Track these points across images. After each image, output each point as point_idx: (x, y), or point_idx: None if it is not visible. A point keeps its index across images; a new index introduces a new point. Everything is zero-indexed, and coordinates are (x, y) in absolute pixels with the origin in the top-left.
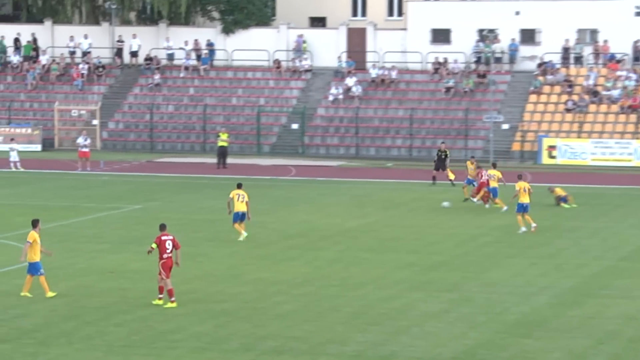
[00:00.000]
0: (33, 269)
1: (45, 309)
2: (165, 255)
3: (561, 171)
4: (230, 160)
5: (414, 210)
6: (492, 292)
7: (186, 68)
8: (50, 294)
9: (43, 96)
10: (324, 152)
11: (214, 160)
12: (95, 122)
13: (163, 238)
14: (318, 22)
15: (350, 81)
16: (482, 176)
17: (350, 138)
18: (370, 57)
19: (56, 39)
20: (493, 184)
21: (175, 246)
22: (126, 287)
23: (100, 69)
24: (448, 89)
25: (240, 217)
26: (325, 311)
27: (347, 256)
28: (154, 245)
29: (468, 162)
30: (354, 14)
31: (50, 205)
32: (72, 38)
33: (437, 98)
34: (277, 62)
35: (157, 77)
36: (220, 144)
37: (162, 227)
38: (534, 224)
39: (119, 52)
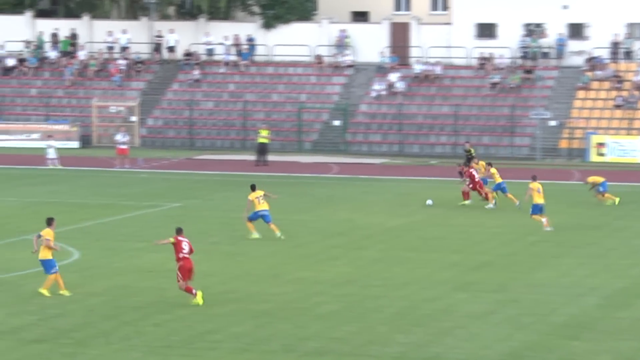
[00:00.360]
0: (49, 266)
1: (84, 309)
2: (181, 255)
3: (610, 169)
4: (271, 157)
5: (458, 208)
6: (539, 293)
7: (226, 63)
8: (64, 291)
9: (81, 92)
10: (366, 149)
11: (254, 157)
12: (134, 118)
13: (180, 238)
14: (360, 16)
15: (393, 77)
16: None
17: (394, 135)
18: (413, 52)
19: (94, 34)
20: (498, 179)
21: (190, 250)
22: (165, 286)
23: (139, 65)
24: (493, 85)
25: (257, 216)
26: (368, 312)
27: (390, 256)
28: (171, 239)
29: (481, 162)
30: (397, 8)
31: (88, 203)
32: (110, 33)
33: (482, 94)
34: (319, 58)
35: (196, 72)
36: (260, 140)
37: (179, 231)
38: (548, 228)
39: (157, 48)
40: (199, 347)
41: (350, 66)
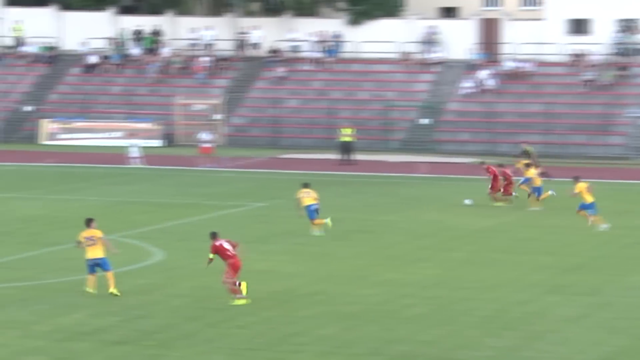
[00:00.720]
0: (104, 264)
1: (167, 310)
2: (229, 254)
3: None
4: (356, 156)
5: (550, 209)
6: (635, 296)
7: (311, 61)
8: (91, 289)
9: (164, 90)
10: (455, 148)
11: (338, 156)
12: (217, 116)
13: (217, 243)
14: (448, 12)
15: (482, 74)
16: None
17: (483, 134)
18: (504, 48)
19: (178, 31)
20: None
21: (234, 245)
22: (250, 287)
23: (223, 62)
24: (586, 82)
25: (314, 211)
26: (457, 315)
27: (480, 257)
28: (211, 256)
29: (521, 162)
30: (487, 3)
31: (171, 203)
32: (194, 30)
33: (574, 92)
34: (406, 55)
35: (281, 70)
36: (343, 139)
37: (214, 235)
38: (604, 225)
39: (241, 44)
40: (284, 350)
41: (438, 63)
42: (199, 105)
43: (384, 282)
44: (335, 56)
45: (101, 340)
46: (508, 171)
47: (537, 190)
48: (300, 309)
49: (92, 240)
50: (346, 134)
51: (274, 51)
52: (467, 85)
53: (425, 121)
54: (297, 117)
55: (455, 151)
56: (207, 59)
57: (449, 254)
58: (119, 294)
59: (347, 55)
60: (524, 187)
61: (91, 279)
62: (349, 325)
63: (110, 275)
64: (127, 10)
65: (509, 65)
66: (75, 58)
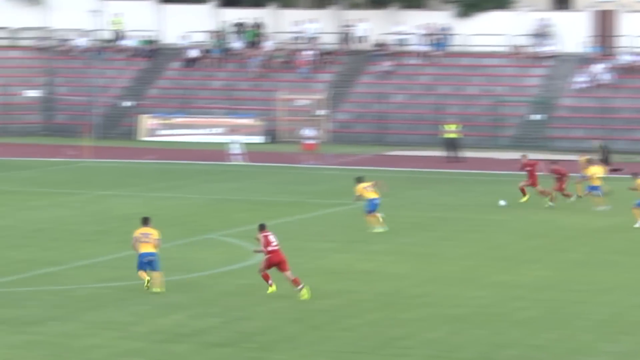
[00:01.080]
0: (155, 263)
1: (269, 312)
2: (270, 248)
3: None
4: (465, 153)
5: None
6: None
7: (418, 54)
8: (158, 288)
9: (266, 85)
10: (568, 145)
11: (444, 153)
12: (321, 112)
13: (264, 234)
14: (561, 4)
15: (597, 68)
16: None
17: (598, 130)
18: (620, 41)
19: (280, 24)
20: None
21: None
22: (354, 289)
23: (327, 56)
24: None
25: (375, 207)
26: (570, 318)
27: (595, 259)
28: (259, 239)
29: (583, 158)
30: None
31: (274, 201)
32: (297, 23)
33: None
34: (517, 48)
35: (387, 64)
36: (447, 135)
37: (262, 227)
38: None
39: (346, 38)
40: (389, 354)
41: (550, 57)
42: (302, 100)
43: (493, 284)
44: (443, 50)
45: (201, 342)
46: (560, 168)
47: (594, 189)
48: (406, 311)
49: (147, 237)
50: (450, 130)
51: (380, 45)
52: (580, 79)
53: (537, 117)
54: (403, 112)
55: (568, 148)
56: (310, 52)
57: (561, 254)
58: (163, 289)
59: (455, 49)
60: (579, 185)
61: (144, 276)
62: (457, 329)
63: (157, 275)
64: (228, 2)
65: (625, 59)
66: (175, 52)
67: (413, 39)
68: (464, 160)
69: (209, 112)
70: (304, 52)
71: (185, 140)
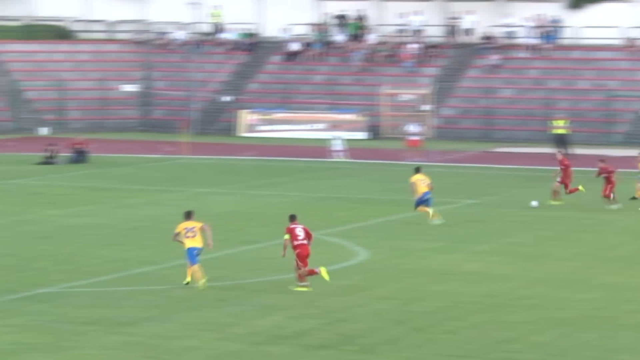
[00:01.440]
0: (197, 256)
1: (371, 313)
2: (296, 243)
3: None
4: (575, 150)
5: None
6: None
7: (527, 47)
8: (201, 283)
9: (369, 79)
10: None
11: (553, 150)
12: (426, 107)
13: (292, 226)
14: None
15: None
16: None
17: None
18: None
19: (384, 16)
20: None
21: (307, 235)
22: (459, 290)
23: (432, 49)
24: None
25: (426, 200)
26: None
27: None
28: (286, 237)
29: None
30: None
31: (376, 199)
32: (402, 15)
33: None
34: (631, 41)
35: (495, 57)
36: (556, 131)
37: (292, 218)
38: None
39: (452, 30)
40: (495, 358)
41: None
42: (407, 95)
43: (603, 286)
44: (553, 42)
45: (301, 344)
46: (609, 167)
47: None
48: (513, 314)
49: (192, 232)
50: (559, 126)
51: (488, 37)
52: None
53: None
54: (511, 108)
55: None
56: (415, 46)
57: None
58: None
59: (566, 42)
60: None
61: (197, 271)
62: (566, 332)
63: (197, 268)
64: None
65: None
66: (276, 45)
67: (522, 32)
68: (574, 157)
69: (310, 107)
70: (408, 46)
71: (286, 136)
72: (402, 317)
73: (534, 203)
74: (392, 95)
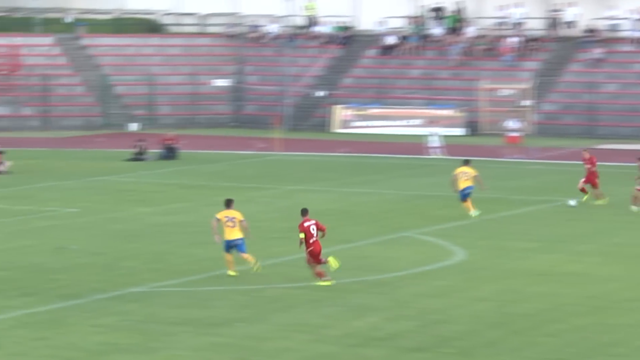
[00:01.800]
0: (240, 246)
1: (468, 315)
2: (311, 241)
3: None
4: None
5: None
6: None
7: (632, 41)
8: (232, 272)
9: (467, 74)
10: None
11: None
12: (526, 102)
13: (306, 224)
14: None
15: None
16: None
17: None
18: None
19: (483, 9)
20: None
21: (320, 229)
22: (559, 292)
23: (533, 43)
24: None
25: (467, 195)
26: None
27: None
28: (302, 235)
29: None
30: None
31: (474, 197)
32: (501, 7)
33: None
34: None
35: (598, 51)
36: None
37: (304, 212)
38: None
39: (554, 23)
40: None
41: None
42: (506, 90)
43: None
44: None
45: (397, 346)
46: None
47: None
48: (617, 317)
49: (232, 222)
50: None
51: (591, 30)
52: None
53: None
54: (615, 103)
55: None
56: (515, 39)
57: None
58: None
59: None
60: None
61: (229, 260)
62: None
63: (246, 256)
64: None
65: None
66: (371, 39)
67: (626, 24)
68: None
69: (407, 102)
70: (508, 39)
71: (381, 132)
72: (500, 319)
73: (572, 202)
74: (491, 90)
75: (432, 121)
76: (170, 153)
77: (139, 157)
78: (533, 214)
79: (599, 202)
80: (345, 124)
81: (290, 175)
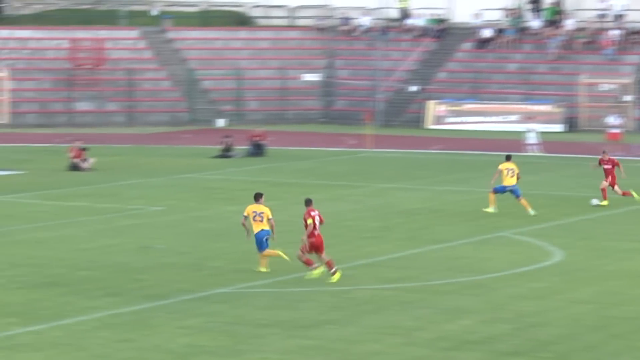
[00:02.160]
0: (268, 239)
1: (566, 318)
2: (316, 232)
3: None
4: None
5: None
6: None
7: None
8: (263, 269)
9: (566, 68)
10: None
11: None
12: (628, 98)
13: (312, 214)
14: None
15: None
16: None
17: None
18: None
19: (583, 1)
20: None
21: (321, 221)
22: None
23: (635, 36)
24: None
25: (509, 191)
26: None
27: None
28: (310, 222)
29: None
30: None
31: (573, 196)
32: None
33: None
34: None
35: None
36: None
37: (308, 202)
38: None
39: None
40: None
41: None
42: (607, 85)
43: None
44: None
45: (491, 350)
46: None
47: None
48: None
49: (260, 217)
50: None
51: None
52: None
53: None
54: None
55: None
56: (616, 32)
57: None
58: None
59: None
60: None
61: (264, 257)
62: None
63: (268, 253)
64: None
65: None
66: (466, 32)
67: None
68: None
69: (503, 97)
70: (609, 32)
71: (477, 128)
72: (600, 322)
73: (595, 201)
74: (591, 85)
75: (529, 117)
76: (258, 150)
77: (226, 154)
78: (635, 214)
79: (602, 203)
80: (439, 120)
81: (381, 173)
